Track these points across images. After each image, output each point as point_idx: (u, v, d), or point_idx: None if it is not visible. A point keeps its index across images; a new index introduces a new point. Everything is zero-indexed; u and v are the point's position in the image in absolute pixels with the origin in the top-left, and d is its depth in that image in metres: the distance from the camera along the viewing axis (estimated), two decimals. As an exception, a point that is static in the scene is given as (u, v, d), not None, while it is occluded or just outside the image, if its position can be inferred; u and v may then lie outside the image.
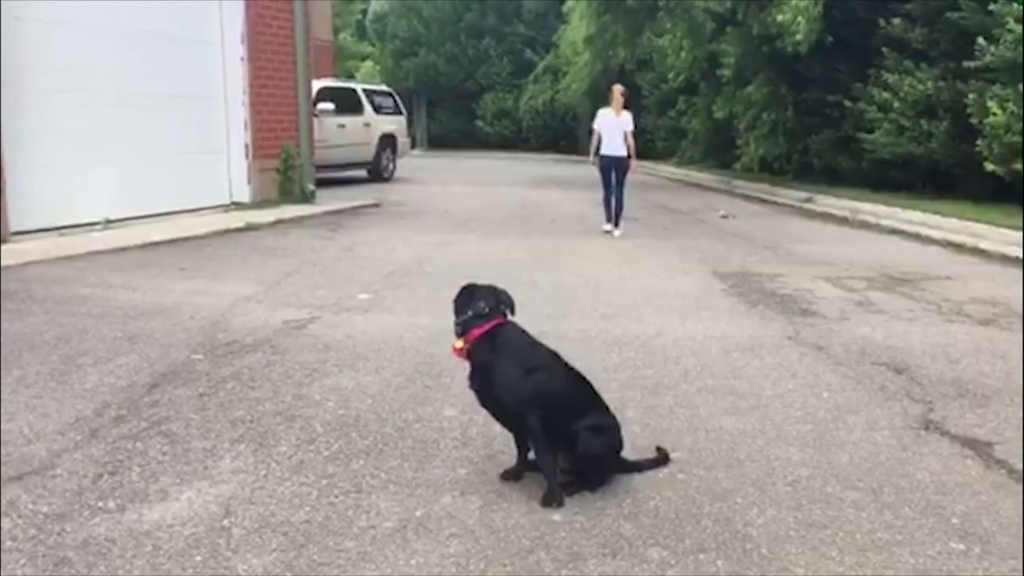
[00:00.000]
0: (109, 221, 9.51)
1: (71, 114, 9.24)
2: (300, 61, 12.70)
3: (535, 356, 3.21)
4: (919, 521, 2.97)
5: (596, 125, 11.31)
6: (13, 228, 8.35)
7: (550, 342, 3.43)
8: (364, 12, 44.49)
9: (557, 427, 3.10)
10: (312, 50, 13.57)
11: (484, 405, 3.26)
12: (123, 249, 8.27)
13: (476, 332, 3.16)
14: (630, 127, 11.15)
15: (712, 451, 3.56)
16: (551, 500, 3.00)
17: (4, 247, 7.92)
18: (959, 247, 10.08)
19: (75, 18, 9.28)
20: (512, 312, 3.28)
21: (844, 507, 3.06)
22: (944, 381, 4.61)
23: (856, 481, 3.28)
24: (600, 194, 11.49)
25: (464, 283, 3.34)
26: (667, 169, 26.13)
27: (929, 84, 14.06)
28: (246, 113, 11.78)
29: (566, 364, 3.28)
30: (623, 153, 11.11)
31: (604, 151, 11.17)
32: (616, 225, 11.12)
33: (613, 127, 11.12)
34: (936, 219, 11.91)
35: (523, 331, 3.27)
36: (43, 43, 8.87)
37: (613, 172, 11.17)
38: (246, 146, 11.84)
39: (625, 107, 11.24)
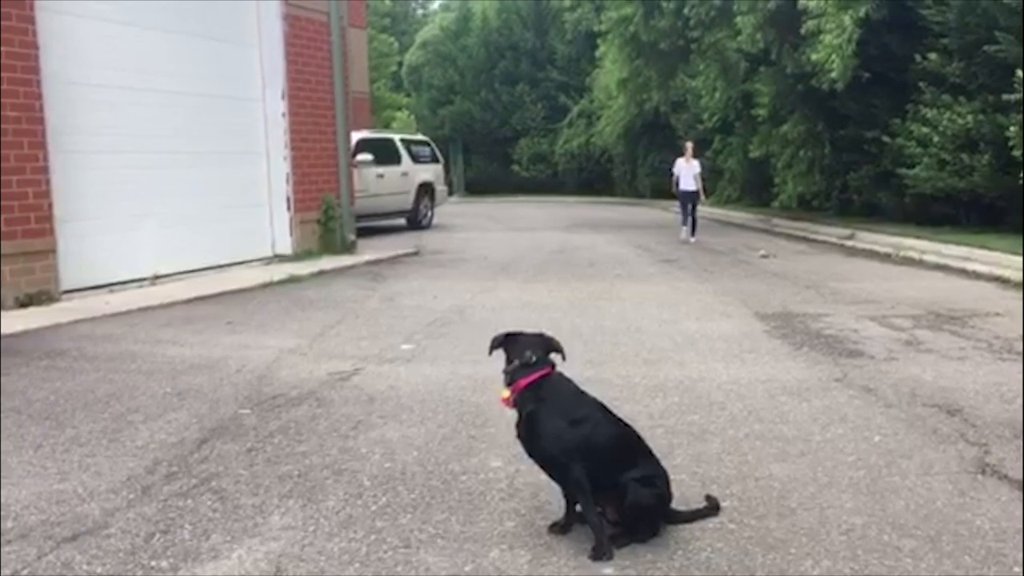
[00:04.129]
0: (157, 276, 9.72)
1: (118, 173, 9.50)
2: (339, 115, 12.97)
3: (581, 407, 3.19)
4: (980, 570, 2.89)
5: (675, 170, 17.01)
6: (64, 287, 8.56)
7: (593, 388, 3.42)
8: (399, 64, 45.34)
9: (605, 479, 3.08)
10: (349, 102, 13.83)
11: (531, 455, 3.25)
12: (171, 304, 8.42)
13: (523, 382, 3.15)
14: (698, 171, 16.82)
15: (763, 499, 3.51)
16: (601, 554, 2.97)
17: (56, 306, 8.12)
18: (1007, 281, 9.88)
19: (120, 81, 9.57)
20: (563, 356, 3.28)
21: (902, 557, 2.99)
22: (999, 422, 4.50)
23: (913, 529, 3.21)
24: (679, 217, 17.27)
25: (505, 329, 3.35)
26: (705, 209, 25.99)
27: (969, 118, 13.90)
28: (288, 167, 12.02)
29: (613, 415, 3.26)
30: (695, 188, 16.66)
31: (682, 187, 16.67)
32: (692, 234, 16.38)
33: (687, 171, 16.68)
34: (982, 253, 11.72)
35: (569, 381, 3.26)
36: (90, 105, 9.15)
37: (689, 201, 16.59)
38: (288, 199, 12.07)
39: (694, 156, 16.98)
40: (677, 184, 16.85)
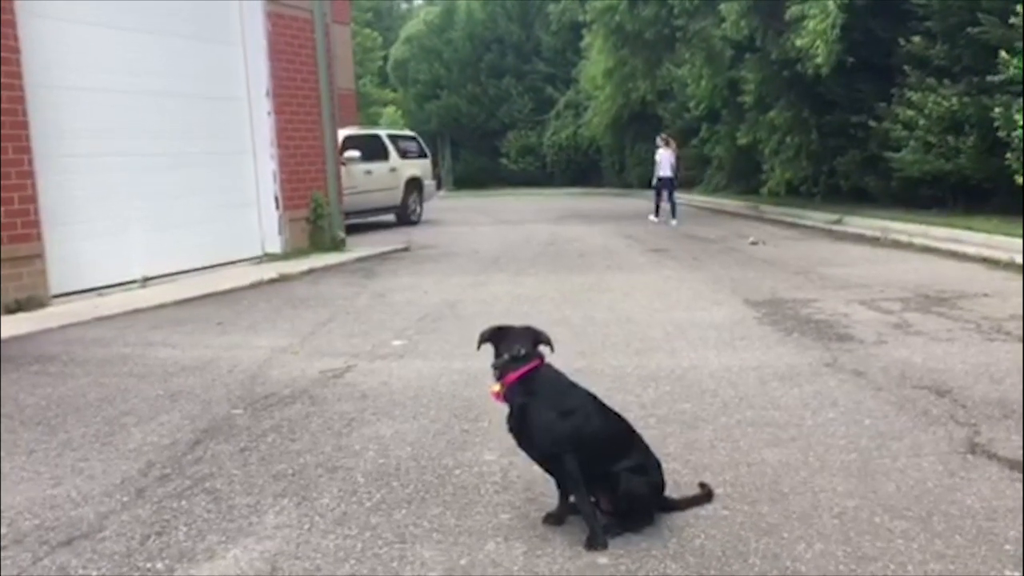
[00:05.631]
0: (146, 278, 9.69)
1: (105, 176, 9.47)
2: (325, 112, 12.94)
3: (572, 399, 3.19)
4: (971, 549, 2.92)
5: (657, 158, 18.59)
6: (54, 291, 8.53)
7: (584, 379, 3.43)
8: (385, 59, 45.24)
9: (599, 469, 3.09)
10: (335, 99, 13.80)
11: (522, 448, 3.26)
12: (161, 306, 8.41)
13: (512, 376, 3.14)
14: (674, 159, 18.49)
15: (755, 485, 3.52)
16: (595, 543, 2.99)
17: (46, 310, 8.10)
18: (994, 262, 9.94)
19: (104, 83, 9.54)
20: (552, 348, 3.27)
21: (894, 538, 3.02)
22: (988, 402, 4.54)
23: (904, 510, 3.23)
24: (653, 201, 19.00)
25: (495, 323, 3.36)
26: (693, 197, 26.12)
27: (954, 100, 13.95)
28: (275, 165, 11.99)
29: (604, 405, 3.27)
30: (671, 175, 18.33)
31: (662, 174, 18.29)
32: (672, 217, 17.76)
33: (666, 159, 18.24)
34: (969, 235, 11.77)
35: (560, 373, 3.25)
36: (75, 108, 9.11)
37: (666, 188, 18.22)
38: (276, 198, 12.05)
39: (668, 146, 18.70)
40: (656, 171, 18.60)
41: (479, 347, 3.29)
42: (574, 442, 3.06)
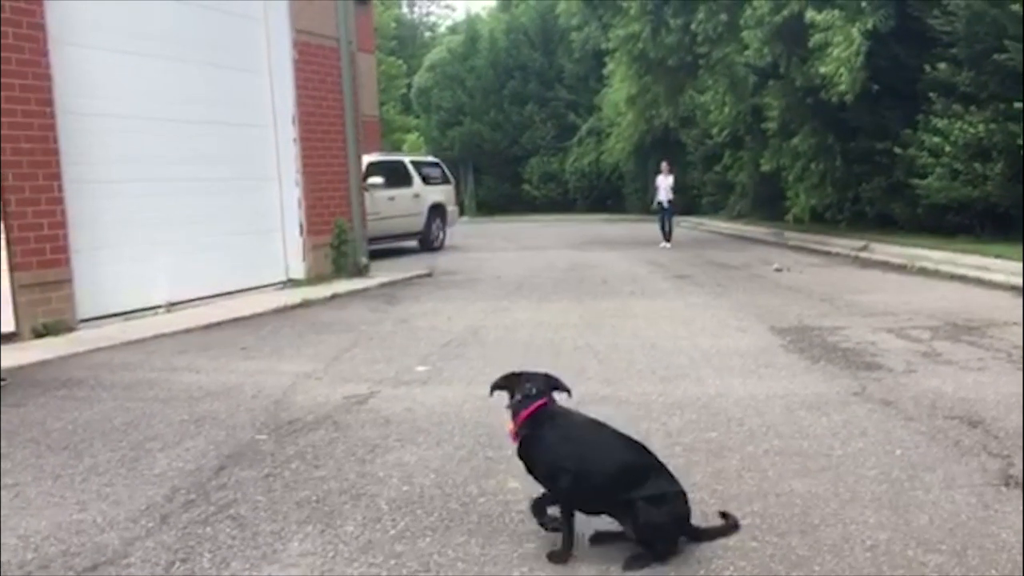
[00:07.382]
0: (171, 304, 9.76)
1: (132, 202, 9.55)
2: (350, 139, 13.04)
3: (579, 431, 3.27)
4: (1008, 585, 2.85)
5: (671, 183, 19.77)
6: (80, 316, 8.60)
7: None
8: (408, 86, 45.65)
9: (618, 497, 3.09)
10: (360, 126, 13.91)
11: (536, 479, 3.31)
12: (186, 331, 8.45)
13: (524, 413, 3.26)
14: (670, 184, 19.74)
15: (784, 516, 3.47)
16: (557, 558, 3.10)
17: (73, 335, 8.17)
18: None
19: (132, 111, 9.65)
20: (569, 393, 3.38)
21: (927, 572, 2.95)
22: (1021, 433, 4.45)
23: (938, 543, 3.17)
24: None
25: (514, 362, 3.38)
26: (716, 224, 26.05)
27: (980, 127, 13.87)
28: (299, 192, 12.07)
29: (620, 435, 3.30)
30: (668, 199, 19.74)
31: (662, 198, 19.69)
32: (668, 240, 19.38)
33: (662, 184, 19.55)
34: (997, 262, 11.64)
35: (568, 410, 3.34)
36: (104, 135, 9.22)
37: (668, 213, 19.60)
38: (300, 224, 12.12)
39: (670, 172, 19.86)
40: (655, 197, 19.98)
41: (492, 394, 3.41)
42: (578, 471, 3.11)
